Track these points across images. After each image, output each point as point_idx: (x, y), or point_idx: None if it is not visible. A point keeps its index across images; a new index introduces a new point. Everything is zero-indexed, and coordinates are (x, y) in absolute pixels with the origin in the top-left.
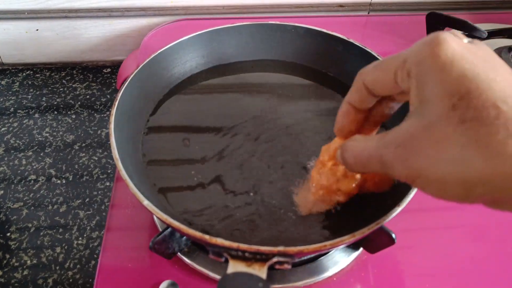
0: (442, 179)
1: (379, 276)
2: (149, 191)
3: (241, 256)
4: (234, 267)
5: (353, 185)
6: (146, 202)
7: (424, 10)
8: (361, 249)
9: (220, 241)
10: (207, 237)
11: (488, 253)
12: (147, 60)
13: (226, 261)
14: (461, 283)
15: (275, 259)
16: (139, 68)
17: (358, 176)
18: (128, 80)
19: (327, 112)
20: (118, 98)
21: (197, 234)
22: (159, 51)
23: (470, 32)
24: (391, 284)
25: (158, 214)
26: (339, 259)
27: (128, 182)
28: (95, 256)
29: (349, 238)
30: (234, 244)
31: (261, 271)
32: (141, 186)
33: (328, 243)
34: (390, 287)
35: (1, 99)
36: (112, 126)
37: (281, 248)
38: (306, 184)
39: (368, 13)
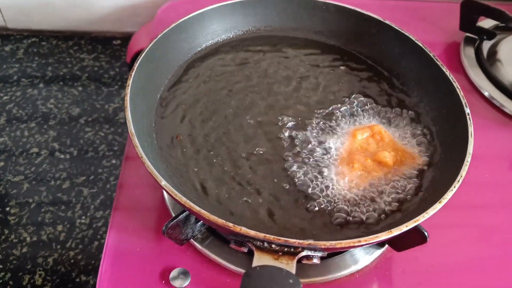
0: None
1: (403, 275)
2: (163, 170)
3: (267, 248)
4: (260, 259)
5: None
6: (164, 183)
7: None
8: (385, 246)
9: (244, 230)
10: (230, 225)
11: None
12: (167, 29)
13: (249, 253)
14: (487, 282)
15: (304, 253)
16: (158, 37)
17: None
18: (146, 50)
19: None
20: (135, 68)
21: (219, 221)
22: (179, 21)
23: (507, 23)
24: (416, 284)
25: (177, 197)
26: (362, 256)
27: (145, 160)
28: (99, 237)
29: (386, 235)
30: (261, 234)
31: (290, 266)
32: (156, 165)
33: (363, 239)
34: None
35: (4, 66)
36: (128, 98)
37: (311, 241)
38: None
39: None
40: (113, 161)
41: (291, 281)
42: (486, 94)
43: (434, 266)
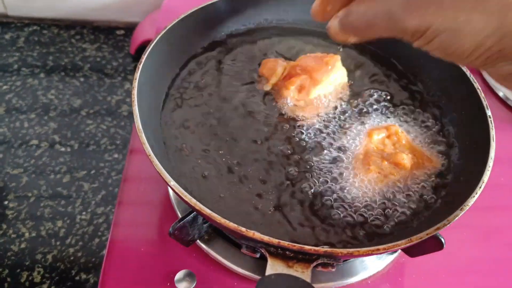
0: (456, 28)
1: (416, 280)
2: (170, 167)
3: (281, 254)
4: (274, 266)
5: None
6: (172, 183)
7: None
8: (398, 251)
9: (258, 235)
10: (243, 229)
11: None
12: (176, 20)
13: (262, 258)
14: (502, 285)
15: (319, 260)
16: (166, 28)
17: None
18: (154, 41)
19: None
20: (142, 61)
21: (231, 225)
22: (189, 12)
23: None
24: None
25: (187, 198)
26: (374, 261)
27: (153, 158)
28: (100, 233)
29: (406, 243)
30: (275, 240)
31: (305, 274)
32: (164, 163)
33: (381, 247)
34: None
35: (4, 55)
36: (135, 92)
37: (327, 249)
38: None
39: None
40: (115, 155)
41: None
42: (500, 94)
43: (447, 270)
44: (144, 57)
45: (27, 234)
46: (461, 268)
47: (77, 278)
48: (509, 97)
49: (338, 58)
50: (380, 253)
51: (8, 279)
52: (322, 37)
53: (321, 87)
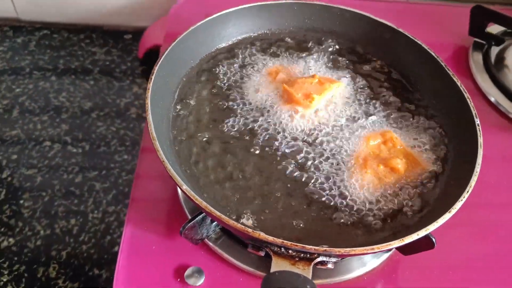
0: None
1: (410, 276)
2: (182, 172)
3: (285, 253)
4: (278, 264)
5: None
6: (185, 187)
7: (468, 2)
8: (393, 250)
9: (263, 235)
10: (249, 230)
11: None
12: (186, 31)
13: (267, 256)
14: (493, 281)
15: (319, 259)
16: (176, 40)
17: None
18: (165, 52)
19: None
20: (155, 72)
21: (239, 226)
22: (199, 23)
23: None
24: (422, 285)
25: (198, 201)
26: (370, 259)
27: (166, 164)
28: (111, 231)
29: (398, 243)
30: (278, 240)
31: (306, 271)
32: (175, 167)
33: (376, 246)
34: None
35: (16, 58)
36: (149, 101)
37: (327, 248)
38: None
39: None
40: (125, 156)
41: (308, 286)
42: (492, 99)
43: (440, 268)
44: (156, 68)
45: (42, 232)
46: (452, 264)
47: (90, 273)
48: (500, 102)
49: (328, 89)
50: (375, 252)
51: (26, 275)
52: (327, 49)
53: (311, 110)
